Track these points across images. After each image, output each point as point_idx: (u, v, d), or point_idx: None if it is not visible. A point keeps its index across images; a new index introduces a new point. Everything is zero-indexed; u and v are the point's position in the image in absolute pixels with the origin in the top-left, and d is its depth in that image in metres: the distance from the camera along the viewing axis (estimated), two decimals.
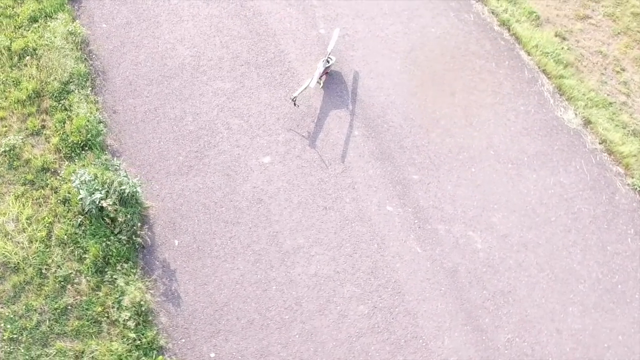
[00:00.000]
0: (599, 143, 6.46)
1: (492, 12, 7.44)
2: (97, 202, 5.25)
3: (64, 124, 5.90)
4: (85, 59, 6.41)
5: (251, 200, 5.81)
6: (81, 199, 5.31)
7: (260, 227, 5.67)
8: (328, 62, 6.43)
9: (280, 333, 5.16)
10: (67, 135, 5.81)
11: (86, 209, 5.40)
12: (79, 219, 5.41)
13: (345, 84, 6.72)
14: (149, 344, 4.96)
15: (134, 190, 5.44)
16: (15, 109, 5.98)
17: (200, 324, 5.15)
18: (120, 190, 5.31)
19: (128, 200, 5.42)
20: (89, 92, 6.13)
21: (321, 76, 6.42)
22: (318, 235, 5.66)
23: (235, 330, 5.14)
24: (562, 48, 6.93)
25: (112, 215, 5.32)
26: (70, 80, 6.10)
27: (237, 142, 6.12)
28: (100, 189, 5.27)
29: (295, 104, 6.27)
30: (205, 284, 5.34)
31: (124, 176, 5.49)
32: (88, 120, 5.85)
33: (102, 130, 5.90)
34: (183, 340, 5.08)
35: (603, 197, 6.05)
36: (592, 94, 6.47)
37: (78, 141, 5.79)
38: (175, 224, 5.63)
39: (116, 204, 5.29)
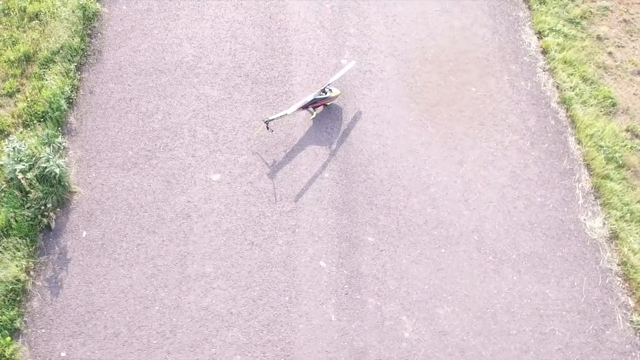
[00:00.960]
0: (617, 264, 6.74)
1: (557, 87, 8.60)
2: (15, 173, 7.02)
3: (36, 92, 8.02)
4: (86, 35, 8.75)
5: (179, 213, 7.18)
6: (1, 165, 7.16)
7: (174, 243, 6.94)
8: (325, 92, 7.91)
9: (140, 356, 6.10)
10: (33, 104, 7.89)
11: (7, 177, 7.17)
12: (3, 186, 7.19)
13: (341, 121, 8.11)
14: (5, 322, 6.25)
15: (61, 171, 7.12)
16: (2, 68, 8.35)
17: (67, 320, 6.38)
18: (43, 167, 7.02)
19: (50, 180, 7.10)
20: (72, 67, 8.31)
21: (316, 106, 7.90)
22: (229, 270, 6.72)
23: (97, 338, 6.24)
24: (625, 146, 7.53)
25: (26, 189, 7.03)
26: (59, 52, 8.38)
27: (194, 151, 7.70)
28: (25, 160, 7.05)
29: (268, 128, 7.71)
30: (90, 282, 6.62)
31: (55, 155, 7.22)
32: (55, 94, 7.90)
33: (63, 106, 7.87)
34: (43, 331, 6.32)
35: (590, 327, 6.18)
36: (636, 207, 6.82)
37: (39, 112, 7.82)
38: (93, 215, 7.17)
39: (33, 180, 7.00)
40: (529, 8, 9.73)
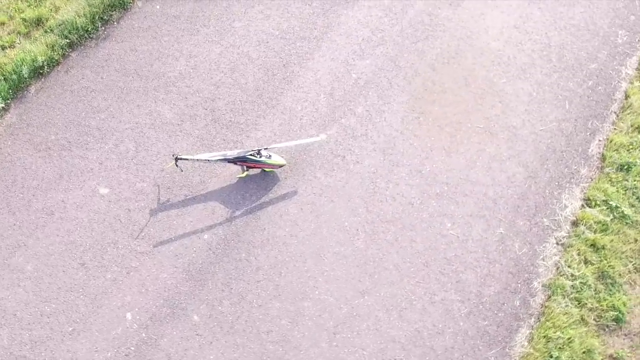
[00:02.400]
0: None
1: (557, 267, 10.60)
2: None
3: (17, 53, 12.61)
4: (99, 19, 13.59)
5: (46, 208, 10.77)
6: None
7: (22, 231, 10.49)
8: (259, 155, 10.82)
9: None
10: (9, 63, 12.47)
11: None
12: None
13: (266, 193, 11.05)
14: None
15: None
16: (15, 23, 13.40)
17: None
18: None
19: None
20: (64, 43, 13.20)
21: (249, 166, 10.93)
22: (44, 277, 10.05)
23: None
24: None
25: None
26: (61, 25, 13.07)
27: (104, 160, 11.29)
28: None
29: (177, 165, 10.85)
30: None
31: None
32: (23, 60, 12.50)
33: (23, 74, 12.42)
34: None
35: None
36: None
37: (6, 71, 12.32)
38: None
39: None
40: (599, 168, 11.81)
